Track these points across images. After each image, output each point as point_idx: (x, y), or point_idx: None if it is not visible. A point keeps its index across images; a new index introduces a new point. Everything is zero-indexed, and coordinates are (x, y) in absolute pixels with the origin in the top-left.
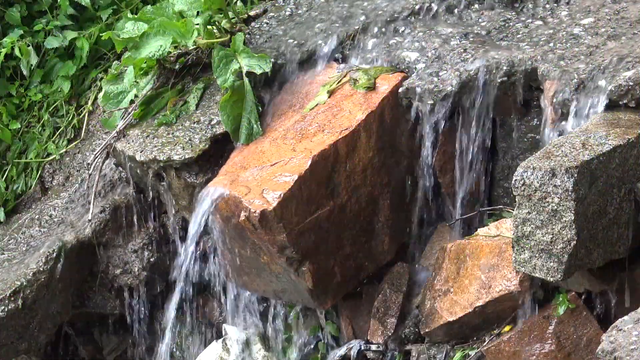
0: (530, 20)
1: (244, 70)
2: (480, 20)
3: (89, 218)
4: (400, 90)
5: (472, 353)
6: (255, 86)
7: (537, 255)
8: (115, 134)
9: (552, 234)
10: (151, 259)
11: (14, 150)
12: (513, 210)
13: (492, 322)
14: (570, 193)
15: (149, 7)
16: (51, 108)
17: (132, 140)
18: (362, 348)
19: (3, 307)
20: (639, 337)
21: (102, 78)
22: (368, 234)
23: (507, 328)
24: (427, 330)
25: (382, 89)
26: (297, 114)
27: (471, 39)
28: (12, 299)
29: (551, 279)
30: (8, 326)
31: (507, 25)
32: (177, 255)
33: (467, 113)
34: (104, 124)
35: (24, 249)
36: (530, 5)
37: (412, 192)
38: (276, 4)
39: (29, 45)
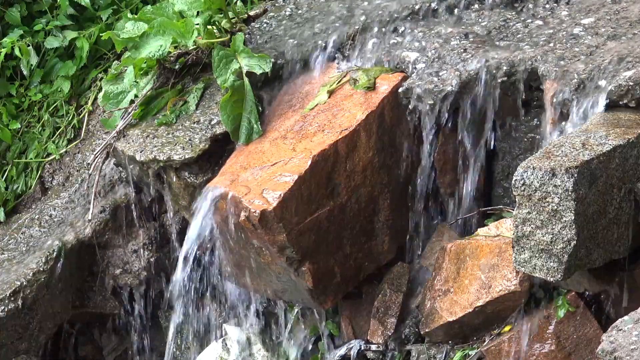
0: (530, 20)
1: (244, 70)
2: (480, 20)
3: (89, 218)
4: (400, 90)
5: (472, 353)
6: (255, 86)
7: (537, 255)
8: (115, 134)
9: (552, 234)
10: (151, 259)
11: (14, 150)
12: (513, 210)
13: (492, 322)
14: (570, 193)
15: (149, 7)
16: (51, 108)
17: (132, 140)
18: (362, 348)
19: (3, 307)
20: (639, 337)
21: (102, 78)
22: (368, 234)
23: (507, 328)
24: (427, 330)
25: (382, 89)
26: (297, 114)
27: (471, 39)
28: (12, 299)
29: (551, 279)
30: (8, 326)
31: (507, 25)
32: (177, 255)
33: (467, 113)
34: (104, 124)
35: (24, 249)
36: (530, 5)
37: (412, 192)
38: (276, 4)
39: (29, 45)
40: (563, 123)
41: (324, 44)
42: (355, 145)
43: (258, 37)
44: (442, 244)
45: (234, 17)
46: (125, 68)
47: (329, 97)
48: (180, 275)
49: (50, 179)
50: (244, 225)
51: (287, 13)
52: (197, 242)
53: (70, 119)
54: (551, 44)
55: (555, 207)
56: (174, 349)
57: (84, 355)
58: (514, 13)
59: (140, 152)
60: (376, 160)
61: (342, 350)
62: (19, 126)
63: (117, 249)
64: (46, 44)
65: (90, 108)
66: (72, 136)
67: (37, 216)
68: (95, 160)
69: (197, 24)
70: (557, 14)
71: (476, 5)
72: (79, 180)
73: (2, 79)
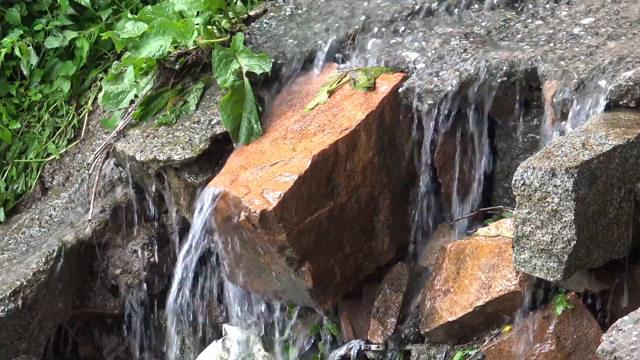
0: (530, 20)
1: (244, 70)
2: (480, 20)
3: (89, 218)
4: (400, 90)
5: (472, 353)
6: (255, 86)
7: (537, 255)
8: (115, 134)
9: (552, 234)
10: (151, 259)
11: (14, 150)
12: (513, 210)
13: (492, 322)
14: (570, 193)
15: (149, 7)
16: (51, 108)
17: (132, 140)
18: (362, 348)
19: (3, 307)
20: (639, 337)
21: (102, 78)
22: (368, 234)
23: (507, 328)
24: (427, 330)
25: (382, 89)
26: (297, 114)
27: (471, 39)
28: (12, 299)
29: (551, 279)
30: (8, 326)
31: (507, 25)
32: (177, 255)
33: (467, 113)
34: (104, 124)
35: (24, 249)
36: (530, 5)
37: (412, 192)
38: (276, 4)
39: (29, 45)
40: (563, 123)
41: (324, 44)
42: (355, 145)
43: (258, 37)
44: (442, 244)
45: (234, 17)
46: (125, 68)
47: (329, 97)
48: (180, 274)
49: (50, 179)
50: (244, 225)
51: (287, 13)
52: (197, 243)
53: (70, 119)
54: (551, 44)
55: (555, 207)
56: (174, 349)
57: (84, 355)
58: (514, 13)
59: (140, 152)
60: (376, 160)
61: (342, 350)
62: (19, 126)
63: (117, 249)
64: (46, 44)
65: (90, 108)
66: (72, 136)
67: (37, 216)
68: (95, 160)
69: (197, 24)
70: (557, 14)
71: (476, 5)
72: (79, 180)
73: (2, 79)
